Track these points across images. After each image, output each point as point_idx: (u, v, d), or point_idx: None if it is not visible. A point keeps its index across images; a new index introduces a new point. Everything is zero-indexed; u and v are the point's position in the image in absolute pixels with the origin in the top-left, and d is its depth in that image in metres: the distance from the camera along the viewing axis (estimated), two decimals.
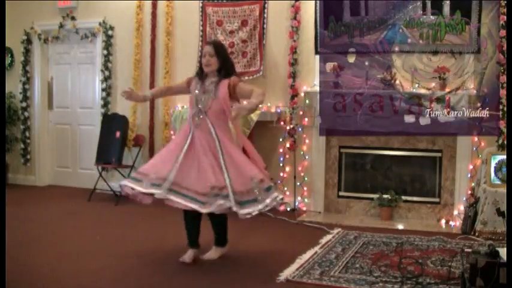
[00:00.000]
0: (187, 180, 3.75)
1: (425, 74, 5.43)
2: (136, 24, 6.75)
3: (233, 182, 3.72)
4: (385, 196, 5.62)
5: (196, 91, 3.94)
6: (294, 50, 5.91)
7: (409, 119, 5.29)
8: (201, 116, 3.87)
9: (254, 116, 5.55)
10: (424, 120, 5.27)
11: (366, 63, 5.53)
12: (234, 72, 4.01)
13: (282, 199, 3.90)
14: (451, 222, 5.40)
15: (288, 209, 5.85)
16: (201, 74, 3.99)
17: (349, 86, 5.58)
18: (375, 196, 5.68)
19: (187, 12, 6.53)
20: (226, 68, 3.93)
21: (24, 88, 7.42)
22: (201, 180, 3.72)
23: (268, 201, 3.75)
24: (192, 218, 3.95)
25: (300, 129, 5.94)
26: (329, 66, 5.65)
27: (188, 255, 3.96)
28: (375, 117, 5.46)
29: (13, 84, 7.45)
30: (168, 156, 3.91)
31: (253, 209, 3.72)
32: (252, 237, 4.79)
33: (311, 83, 5.91)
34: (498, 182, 4.95)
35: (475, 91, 5.26)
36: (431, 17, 5.37)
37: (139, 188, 3.76)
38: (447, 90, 5.29)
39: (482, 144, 5.33)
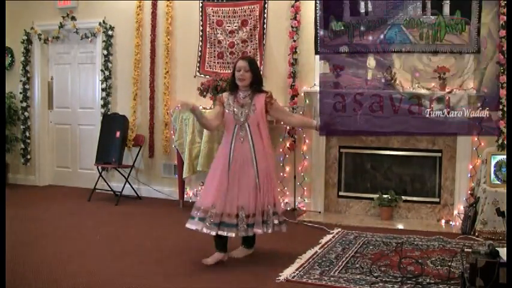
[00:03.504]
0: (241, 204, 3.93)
1: (425, 74, 5.43)
2: (136, 24, 6.75)
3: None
4: (385, 196, 5.62)
5: (235, 109, 4.02)
6: (294, 50, 5.91)
7: None
8: (243, 130, 4.01)
9: None
10: None
11: (366, 63, 5.55)
12: (262, 86, 4.15)
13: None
14: (451, 222, 5.41)
15: (288, 209, 5.87)
16: (234, 88, 4.10)
17: (349, 86, 5.58)
18: (375, 196, 5.68)
19: (187, 12, 6.52)
20: (257, 83, 4.09)
21: (24, 88, 7.42)
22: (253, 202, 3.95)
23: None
24: None
25: (300, 129, 5.94)
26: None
27: (213, 258, 4.03)
28: (375, 117, 5.46)
29: (13, 84, 7.45)
30: (220, 186, 3.96)
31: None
32: None
33: (311, 83, 5.90)
34: (498, 182, 4.94)
35: (475, 91, 5.26)
36: (431, 17, 5.37)
37: (205, 230, 3.89)
38: (447, 90, 5.30)
39: (482, 144, 5.33)
